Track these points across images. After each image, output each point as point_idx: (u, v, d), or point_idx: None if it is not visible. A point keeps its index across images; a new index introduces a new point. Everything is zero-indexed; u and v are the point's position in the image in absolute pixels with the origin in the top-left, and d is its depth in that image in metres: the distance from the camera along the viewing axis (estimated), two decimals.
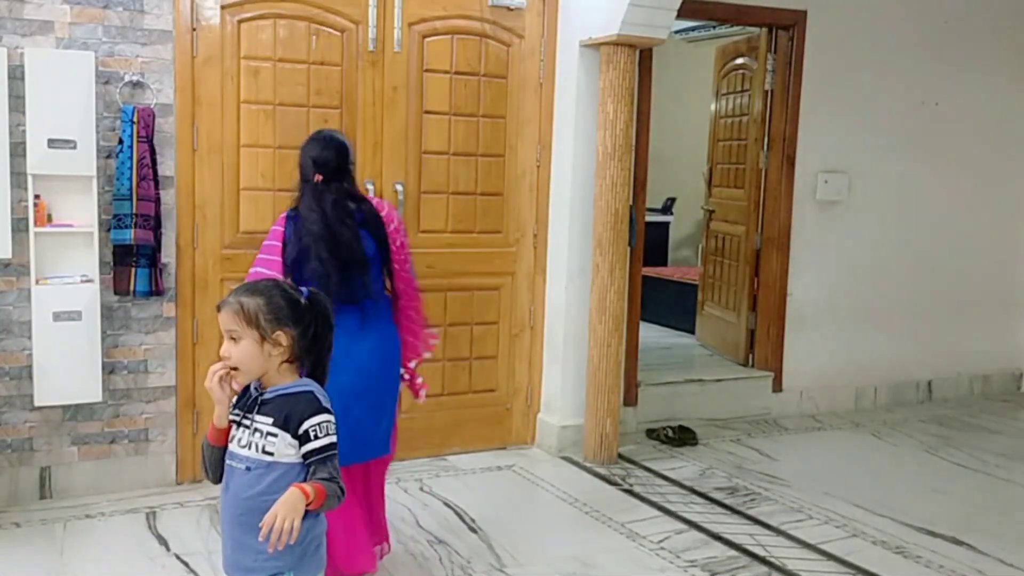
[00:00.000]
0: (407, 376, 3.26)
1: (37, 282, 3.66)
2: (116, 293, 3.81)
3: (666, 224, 8.85)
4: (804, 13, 5.28)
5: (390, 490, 3.52)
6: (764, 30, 5.46)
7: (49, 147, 3.59)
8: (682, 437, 4.89)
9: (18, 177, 3.62)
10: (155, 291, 3.83)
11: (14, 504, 3.73)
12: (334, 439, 2.00)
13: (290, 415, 1.98)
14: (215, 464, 2.08)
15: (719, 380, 5.42)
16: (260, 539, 1.86)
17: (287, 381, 2.04)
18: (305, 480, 1.96)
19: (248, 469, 2.00)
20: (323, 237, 2.94)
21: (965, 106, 5.86)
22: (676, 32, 7.93)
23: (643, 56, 4.66)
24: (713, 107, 6.37)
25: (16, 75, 3.56)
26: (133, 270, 3.78)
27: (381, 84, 4.25)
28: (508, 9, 4.48)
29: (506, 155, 4.58)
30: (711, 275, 6.31)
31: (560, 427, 4.65)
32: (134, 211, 3.71)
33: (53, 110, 3.59)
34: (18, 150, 3.60)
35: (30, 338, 3.69)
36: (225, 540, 2.07)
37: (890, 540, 3.71)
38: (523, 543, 3.57)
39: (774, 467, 4.58)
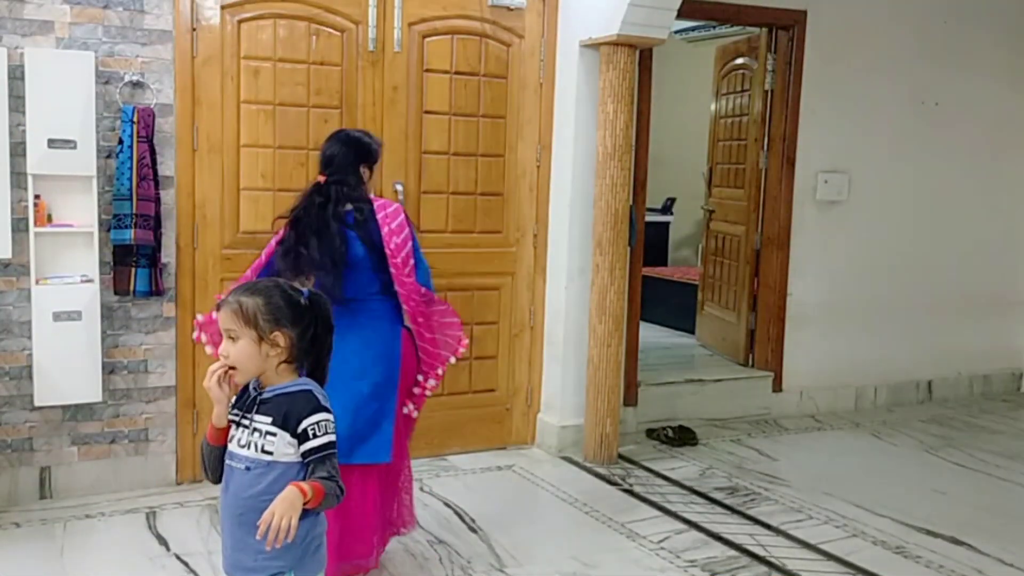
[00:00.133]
0: (417, 390, 3.20)
1: (37, 282, 3.66)
2: (116, 293, 3.81)
3: (666, 224, 8.85)
4: (804, 13, 5.28)
5: None
6: (764, 30, 5.46)
7: (49, 147, 3.59)
8: (682, 437, 4.89)
9: (18, 177, 3.62)
10: (155, 291, 3.83)
11: (14, 504, 3.74)
12: (333, 438, 2.00)
13: (289, 414, 1.98)
14: (214, 464, 2.08)
15: (719, 380, 5.42)
16: (258, 537, 1.86)
17: (285, 381, 2.03)
18: (304, 479, 1.96)
19: (248, 469, 2.00)
20: (301, 237, 2.98)
21: (965, 106, 5.86)
22: (676, 32, 7.93)
23: (643, 56, 4.66)
24: (713, 107, 6.37)
25: (16, 75, 3.56)
26: (133, 270, 3.78)
27: (381, 84, 4.25)
28: (508, 9, 4.48)
29: (506, 155, 4.58)
30: (711, 275, 6.31)
31: (560, 427, 4.65)
32: (134, 211, 3.71)
33: (53, 110, 3.59)
34: (18, 150, 3.60)
35: (30, 338, 3.69)
36: (225, 540, 2.07)
37: (890, 540, 3.71)
38: (523, 543, 3.57)
39: (774, 467, 4.58)
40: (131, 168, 3.71)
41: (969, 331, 6.11)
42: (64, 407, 3.80)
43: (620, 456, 4.58)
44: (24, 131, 3.59)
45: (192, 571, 3.23)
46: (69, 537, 3.48)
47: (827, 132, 5.44)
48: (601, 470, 4.42)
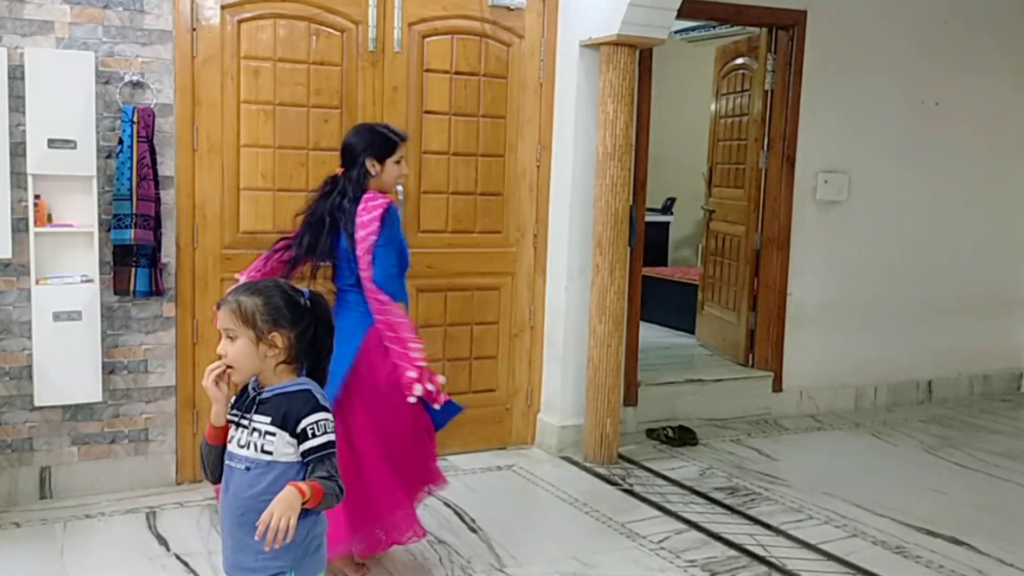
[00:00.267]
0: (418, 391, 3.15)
1: (37, 282, 3.66)
2: (116, 293, 3.81)
3: (666, 224, 8.85)
4: (804, 13, 5.28)
5: None
6: (764, 30, 5.46)
7: (49, 147, 3.59)
8: (682, 437, 4.89)
9: (18, 177, 3.62)
10: (155, 291, 3.83)
11: (14, 504, 3.74)
12: (332, 437, 2.00)
13: (288, 413, 1.98)
14: (214, 464, 2.08)
15: (719, 380, 5.42)
16: (256, 538, 1.85)
17: (284, 381, 2.03)
18: (304, 479, 1.96)
19: (247, 469, 2.00)
20: (304, 226, 3.21)
21: (965, 106, 5.86)
22: (676, 32, 7.93)
23: (643, 56, 4.66)
24: (713, 107, 6.37)
25: (16, 75, 3.56)
26: (133, 270, 3.78)
27: (381, 84, 4.25)
28: (508, 9, 4.48)
29: (506, 155, 4.58)
30: (711, 275, 6.31)
31: (560, 427, 4.65)
32: (134, 211, 3.71)
33: (53, 110, 3.59)
34: (18, 150, 3.60)
35: (30, 338, 3.69)
36: (225, 540, 2.07)
37: (890, 540, 3.71)
38: (523, 543, 3.57)
39: (774, 467, 4.58)
40: (131, 168, 3.71)
41: (969, 331, 6.11)
42: (64, 407, 3.80)
43: (620, 456, 4.58)
44: (24, 131, 3.59)
45: (192, 571, 3.23)
46: (69, 537, 3.48)
47: (827, 132, 5.44)
48: (601, 470, 4.42)
